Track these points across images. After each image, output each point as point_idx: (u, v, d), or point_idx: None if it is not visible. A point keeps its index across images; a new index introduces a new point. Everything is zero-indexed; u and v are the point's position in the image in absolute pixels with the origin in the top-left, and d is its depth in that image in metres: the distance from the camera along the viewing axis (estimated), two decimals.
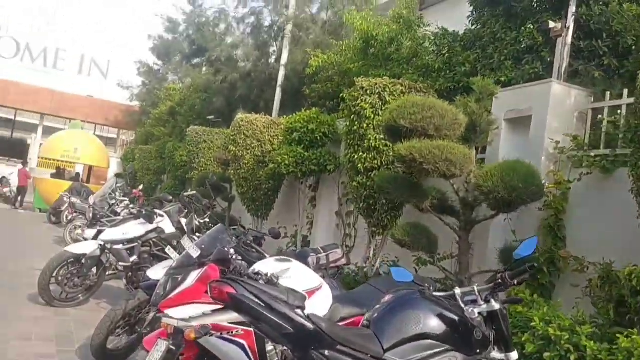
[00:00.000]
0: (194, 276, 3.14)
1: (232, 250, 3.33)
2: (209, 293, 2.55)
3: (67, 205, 12.85)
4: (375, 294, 3.79)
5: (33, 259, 7.85)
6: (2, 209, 18.65)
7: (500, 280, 2.98)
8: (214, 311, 2.60)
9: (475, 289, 3.02)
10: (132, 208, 6.32)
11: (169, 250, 4.51)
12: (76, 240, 8.97)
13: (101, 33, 29.24)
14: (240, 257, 4.62)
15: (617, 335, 3.49)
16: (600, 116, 5.18)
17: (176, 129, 18.24)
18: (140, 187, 14.34)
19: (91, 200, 6.29)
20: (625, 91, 5.00)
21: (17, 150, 27.25)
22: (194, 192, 6.29)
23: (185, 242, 3.50)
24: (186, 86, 20.28)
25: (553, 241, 4.93)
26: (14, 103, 26.79)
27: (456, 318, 2.84)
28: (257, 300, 2.51)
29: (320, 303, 3.57)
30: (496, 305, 3.00)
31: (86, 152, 19.94)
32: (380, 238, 6.68)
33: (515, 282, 2.97)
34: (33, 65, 28.30)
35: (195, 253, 3.26)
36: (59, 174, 19.97)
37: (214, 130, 13.37)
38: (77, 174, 21.85)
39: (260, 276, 3.22)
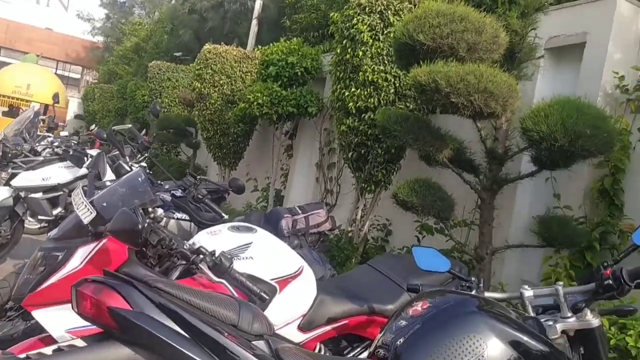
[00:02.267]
0: (80, 256, 1.82)
1: (159, 211, 2.01)
2: (73, 305, 1.23)
3: None
4: (381, 284, 2.54)
5: None
6: None
7: (610, 281, 1.76)
8: (92, 339, 1.30)
9: (560, 290, 1.81)
10: (57, 147, 4.90)
11: None
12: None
13: None
14: (187, 217, 3.35)
15: None
16: None
17: (141, 68, 16.66)
18: (93, 127, 12.73)
19: (0, 134, 4.88)
20: None
21: None
22: (129, 125, 4.85)
23: (76, 196, 2.12)
24: (154, 21, 18.49)
25: (608, 210, 3.74)
26: None
27: (542, 349, 1.60)
28: (173, 325, 1.21)
29: (298, 297, 2.29)
30: (594, 321, 1.81)
31: (40, 89, 17.93)
32: (371, 196, 5.45)
33: (634, 285, 1.77)
34: None
35: (87, 216, 1.90)
36: (11, 112, 18.05)
37: (180, 67, 11.91)
38: None
39: (203, 257, 1.93)
